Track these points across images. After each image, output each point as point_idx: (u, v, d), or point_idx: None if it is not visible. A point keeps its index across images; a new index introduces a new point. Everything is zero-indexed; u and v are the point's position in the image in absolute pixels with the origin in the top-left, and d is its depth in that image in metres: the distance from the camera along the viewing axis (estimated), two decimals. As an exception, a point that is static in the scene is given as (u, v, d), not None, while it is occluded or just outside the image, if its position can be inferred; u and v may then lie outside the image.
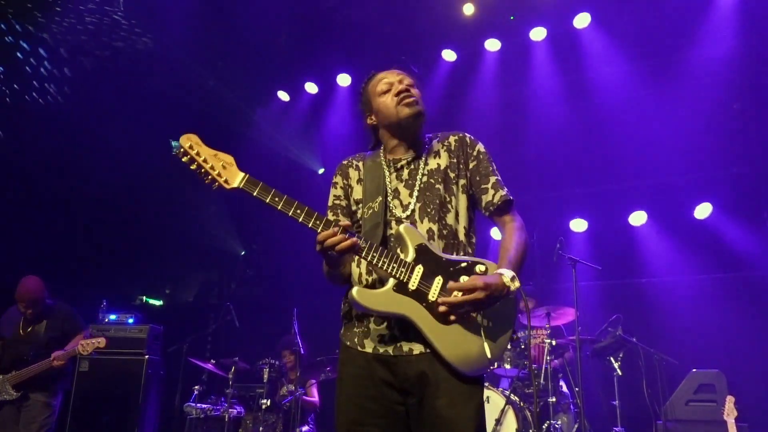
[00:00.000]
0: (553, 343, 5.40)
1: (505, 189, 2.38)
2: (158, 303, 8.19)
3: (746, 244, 6.42)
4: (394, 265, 2.12)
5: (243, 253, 9.05)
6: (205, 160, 2.15)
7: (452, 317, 2.08)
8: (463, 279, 2.13)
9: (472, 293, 2.04)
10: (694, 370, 5.23)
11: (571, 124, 7.13)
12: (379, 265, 2.12)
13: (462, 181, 2.37)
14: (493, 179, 2.38)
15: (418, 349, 2.14)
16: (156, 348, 6.50)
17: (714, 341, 6.03)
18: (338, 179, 2.48)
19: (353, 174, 2.45)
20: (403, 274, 2.12)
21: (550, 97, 7.22)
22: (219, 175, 2.13)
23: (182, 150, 2.16)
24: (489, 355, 2.11)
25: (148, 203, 8.33)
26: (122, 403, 6.10)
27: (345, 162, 2.52)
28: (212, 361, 6.37)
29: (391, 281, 2.12)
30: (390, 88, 2.39)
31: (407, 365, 2.14)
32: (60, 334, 5.29)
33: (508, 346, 5.04)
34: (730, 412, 4.26)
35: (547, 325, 5.51)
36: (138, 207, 8.29)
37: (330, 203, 2.46)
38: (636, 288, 6.98)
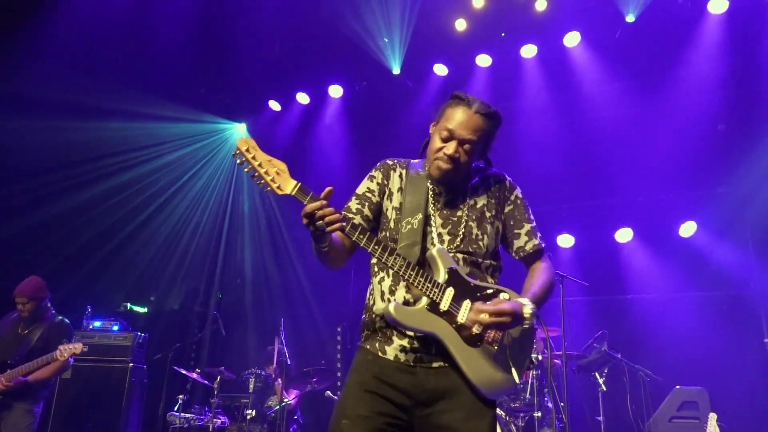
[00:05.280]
0: (539, 357, 5.43)
1: (539, 237, 2.46)
2: (143, 310, 8.12)
3: (730, 263, 6.49)
4: (428, 285, 2.17)
5: (229, 262, 9.00)
6: (260, 165, 2.14)
7: (479, 338, 2.16)
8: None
9: (500, 317, 2.11)
10: (678, 386, 5.27)
11: (560, 140, 7.21)
12: (415, 283, 2.17)
13: (497, 223, 2.42)
14: (527, 227, 2.46)
15: (437, 363, 2.19)
16: (140, 356, 6.46)
17: (697, 359, 6.08)
18: (377, 174, 2.48)
19: (395, 180, 2.46)
20: (436, 295, 2.17)
21: (539, 113, 7.28)
22: (273, 180, 2.13)
23: (238, 152, 2.17)
24: (517, 380, 2.21)
25: (134, 209, 8.28)
26: (105, 411, 6.05)
27: (390, 162, 2.51)
28: (197, 370, 6.33)
29: (424, 300, 2.17)
30: (447, 138, 2.32)
31: (425, 377, 2.19)
32: (48, 345, 4.99)
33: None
34: (712, 429, 4.31)
35: (535, 339, 5.54)
36: (124, 213, 8.24)
37: (360, 191, 2.45)
38: (621, 304, 7.03)
